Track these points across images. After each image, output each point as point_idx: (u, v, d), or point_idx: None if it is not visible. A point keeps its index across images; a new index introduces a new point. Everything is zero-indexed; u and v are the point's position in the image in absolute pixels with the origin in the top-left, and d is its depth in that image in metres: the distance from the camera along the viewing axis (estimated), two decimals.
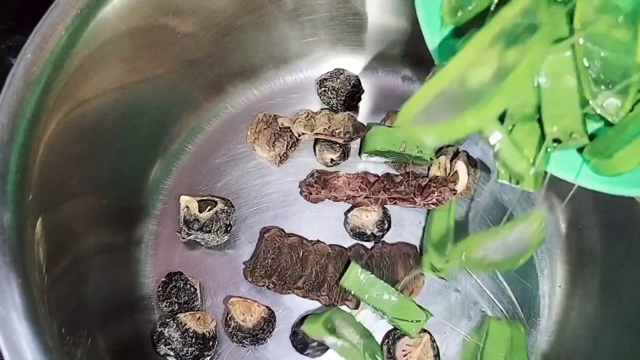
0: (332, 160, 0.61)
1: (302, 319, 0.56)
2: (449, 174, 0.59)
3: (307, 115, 0.61)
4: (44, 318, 0.39)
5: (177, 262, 0.59)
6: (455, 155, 0.61)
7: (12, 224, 0.39)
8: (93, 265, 0.52)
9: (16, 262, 0.39)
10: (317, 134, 0.60)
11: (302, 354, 0.56)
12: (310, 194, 0.58)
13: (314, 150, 0.63)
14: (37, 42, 0.43)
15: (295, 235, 0.60)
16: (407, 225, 0.61)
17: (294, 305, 0.58)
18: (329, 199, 0.59)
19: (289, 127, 0.61)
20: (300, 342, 0.55)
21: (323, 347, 0.55)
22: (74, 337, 0.45)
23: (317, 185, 0.58)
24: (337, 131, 0.59)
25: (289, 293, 0.57)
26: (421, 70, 0.66)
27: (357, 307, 0.56)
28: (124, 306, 0.56)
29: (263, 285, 0.56)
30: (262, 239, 0.58)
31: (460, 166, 0.59)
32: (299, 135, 0.61)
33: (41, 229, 0.43)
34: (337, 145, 0.61)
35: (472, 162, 0.61)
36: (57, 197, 0.47)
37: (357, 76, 0.63)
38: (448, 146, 0.62)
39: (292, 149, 0.63)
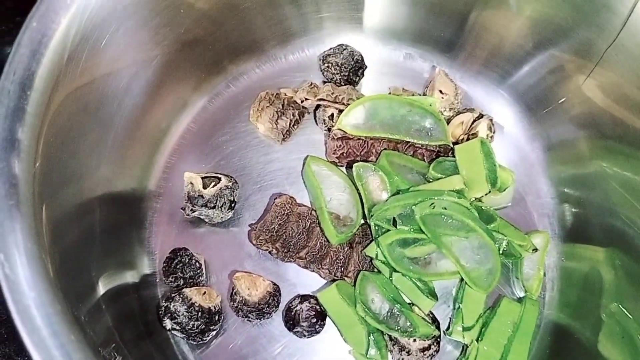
0: (332, 115, 0.61)
1: (302, 297, 0.56)
2: (469, 132, 0.60)
3: (311, 84, 0.61)
4: (53, 285, 0.39)
5: (182, 239, 0.59)
6: (480, 117, 0.61)
7: (19, 191, 0.39)
8: (98, 243, 0.52)
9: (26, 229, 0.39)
10: (320, 99, 0.60)
11: (290, 331, 0.56)
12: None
13: (315, 117, 0.63)
14: (42, 10, 0.43)
15: (306, 205, 0.60)
16: None
17: (298, 281, 0.58)
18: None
19: (292, 98, 0.61)
20: (291, 318, 0.55)
21: (313, 330, 0.55)
22: (84, 316, 0.45)
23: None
24: (340, 97, 0.59)
25: (290, 261, 0.57)
26: (423, 48, 0.66)
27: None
28: (129, 283, 0.56)
29: (266, 250, 0.57)
30: (273, 204, 0.59)
31: (482, 128, 0.60)
32: (302, 102, 0.61)
33: (47, 208, 0.43)
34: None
35: (493, 129, 0.62)
36: (63, 172, 0.47)
37: (359, 52, 0.64)
38: (473, 108, 0.64)
39: (295, 126, 0.63)
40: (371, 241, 0.57)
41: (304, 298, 0.56)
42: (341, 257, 0.57)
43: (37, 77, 0.42)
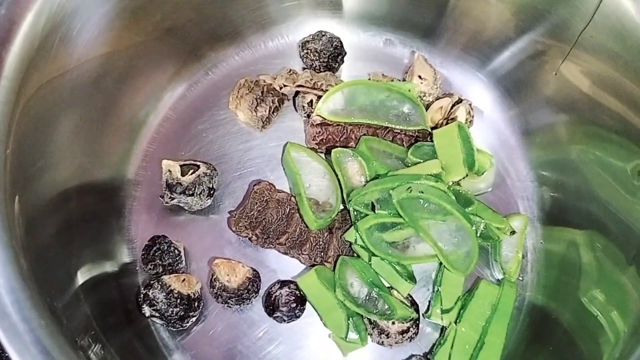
0: (311, 102, 0.61)
1: (281, 282, 0.57)
2: (447, 116, 0.60)
3: (290, 71, 0.61)
4: (24, 272, 0.39)
5: (161, 227, 0.59)
6: (459, 102, 0.62)
7: None
8: (76, 232, 0.52)
9: None
10: (299, 85, 0.60)
11: (270, 316, 0.56)
12: None
13: (294, 103, 0.63)
14: None
15: (285, 192, 0.60)
16: None
17: (278, 267, 0.59)
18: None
19: (271, 85, 0.61)
20: (271, 304, 0.56)
21: (292, 314, 0.55)
22: (61, 305, 0.45)
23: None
24: (319, 83, 0.59)
25: (270, 247, 0.57)
26: (403, 34, 0.66)
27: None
28: (109, 272, 0.56)
29: (246, 237, 0.57)
30: (252, 190, 0.59)
31: (460, 112, 0.60)
32: (281, 88, 0.61)
33: (21, 197, 0.43)
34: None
35: (472, 114, 0.62)
36: (37, 160, 0.46)
37: (339, 38, 0.63)
38: (452, 93, 0.63)
39: (275, 113, 0.63)
40: (350, 226, 0.57)
41: (283, 283, 0.56)
42: (321, 242, 0.58)
43: (7, 65, 0.42)
